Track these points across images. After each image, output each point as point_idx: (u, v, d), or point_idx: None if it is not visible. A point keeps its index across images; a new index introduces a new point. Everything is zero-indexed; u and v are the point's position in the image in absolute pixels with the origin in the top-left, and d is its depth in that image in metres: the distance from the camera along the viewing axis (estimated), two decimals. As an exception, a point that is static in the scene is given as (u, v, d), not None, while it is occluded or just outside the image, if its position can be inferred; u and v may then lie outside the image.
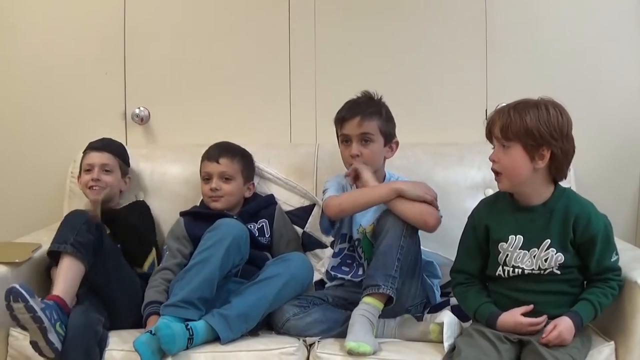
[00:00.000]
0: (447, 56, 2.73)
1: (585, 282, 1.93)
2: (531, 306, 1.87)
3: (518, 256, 1.91)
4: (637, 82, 2.71)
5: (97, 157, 2.45)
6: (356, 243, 2.28)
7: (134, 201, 2.55)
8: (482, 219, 2.00)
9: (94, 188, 2.40)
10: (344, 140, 2.27)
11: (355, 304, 2.16)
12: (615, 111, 2.72)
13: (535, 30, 2.71)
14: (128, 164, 2.54)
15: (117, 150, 2.51)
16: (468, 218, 2.07)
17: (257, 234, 2.36)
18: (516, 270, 1.91)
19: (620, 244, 2.02)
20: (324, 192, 2.30)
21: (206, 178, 2.41)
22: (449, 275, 2.10)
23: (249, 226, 2.30)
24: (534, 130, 1.83)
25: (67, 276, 2.03)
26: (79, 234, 2.06)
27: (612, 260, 1.89)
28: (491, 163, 1.93)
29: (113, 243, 2.20)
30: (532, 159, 1.86)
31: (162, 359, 1.90)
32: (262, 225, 2.41)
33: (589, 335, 1.93)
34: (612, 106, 2.72)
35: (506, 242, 1.93)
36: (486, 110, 2.70)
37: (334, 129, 2.33)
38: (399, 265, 2.03)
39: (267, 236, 2.39)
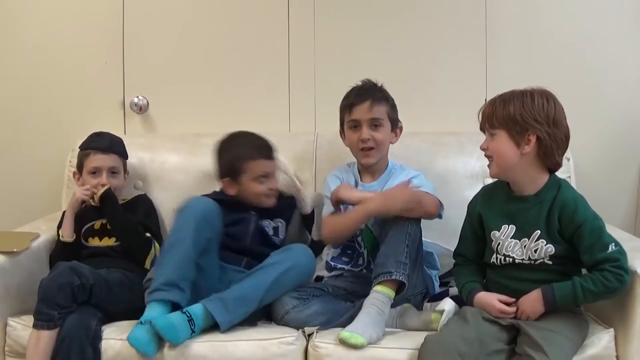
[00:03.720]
0: (447, 46, 2.73)
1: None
2: (513, 299, 1.88)
3: (509, 245, 1.92)
4: (637, 73, 2.69)
5: (104, 160, 2.38)
6: (357, 232, 2.27)
7: (136, 196, 2.51)
8: (476, 207, 2.03)
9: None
10: (353, 126, 2.27)
11: (354, 294, 2.16)
12: (615, 102, 2.71)
13: (535, 20, 2.70)
14: (127, 158, 2.49)
15: (121, 149, 2.45)
16: (468, 204, 2.08)
17: (271, 233, 2.32)
18: (507, 259, 1.92)
19: (620, 234, 2.01)
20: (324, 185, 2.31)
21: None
22: (452, 257, 2.11)
23: (263, 222, 2.30)
24: (516, 115, 1.85)
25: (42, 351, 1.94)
26: (58, 306, 1.95)
27: (608, 251, 1.81)
28: (483, 152, 1.96)
29: (92, 272, 2.06)
30: (518, 144, 1.87)
31: (159, 347, 1.90)
32: (278, 225, 2.36)
33: (585, 321, 1.93)
34: (612, 97, 2.71)
35: (498, 231, 1.94)
36: (485, 100, 2.67)
37: (333, 118, 2.33)
38: (408, 252, 2.03)
39: (280, 237, 2.34)
